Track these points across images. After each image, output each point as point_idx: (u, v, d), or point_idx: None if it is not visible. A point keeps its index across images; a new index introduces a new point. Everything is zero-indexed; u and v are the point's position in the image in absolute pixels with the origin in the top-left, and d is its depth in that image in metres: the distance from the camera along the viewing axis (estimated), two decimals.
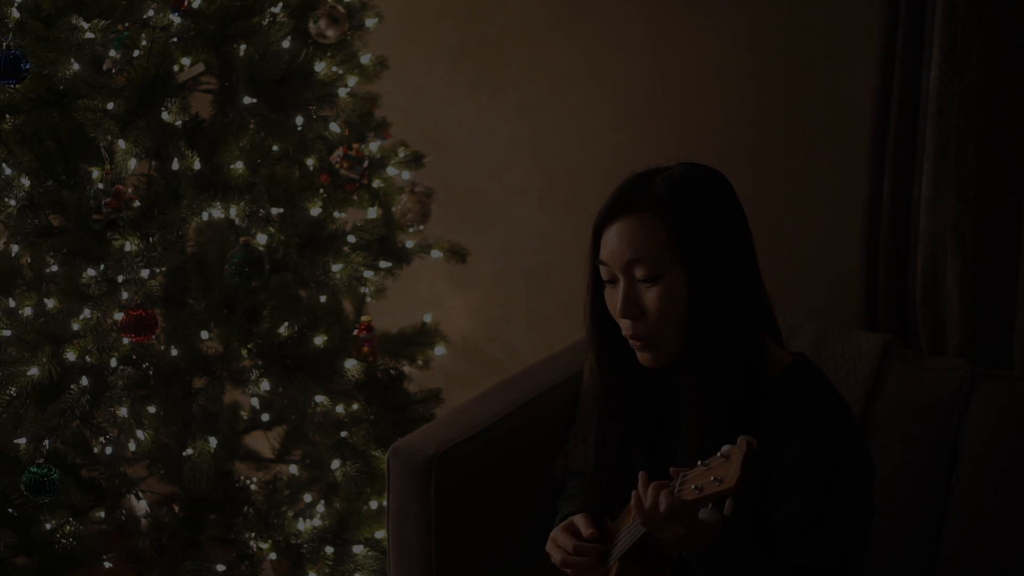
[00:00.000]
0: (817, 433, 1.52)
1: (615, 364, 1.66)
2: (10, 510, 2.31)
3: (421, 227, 2.62)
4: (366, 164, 2.49)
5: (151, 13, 2.20)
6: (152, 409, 2.31)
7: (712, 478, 1.35)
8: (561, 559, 1.70)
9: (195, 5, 2.24)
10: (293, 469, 2.68)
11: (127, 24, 2.18)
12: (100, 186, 2.15)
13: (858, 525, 1.53)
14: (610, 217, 1.58)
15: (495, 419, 2.24)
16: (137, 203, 2.18)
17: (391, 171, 2.61)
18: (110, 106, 2.13)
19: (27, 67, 1.99)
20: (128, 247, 2.13)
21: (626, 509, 1.68)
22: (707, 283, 1.53)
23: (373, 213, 2.58)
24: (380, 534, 2.52)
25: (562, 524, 1.74)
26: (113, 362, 2.25)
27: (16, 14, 2.08)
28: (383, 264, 2.59)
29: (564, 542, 1.70)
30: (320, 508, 2.61)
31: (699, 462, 1.40)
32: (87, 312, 2.19)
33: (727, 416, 1.53)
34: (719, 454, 1.37)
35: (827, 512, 1.51)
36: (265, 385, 2.38)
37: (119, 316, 2.15)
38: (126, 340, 2.17)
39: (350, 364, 2.43)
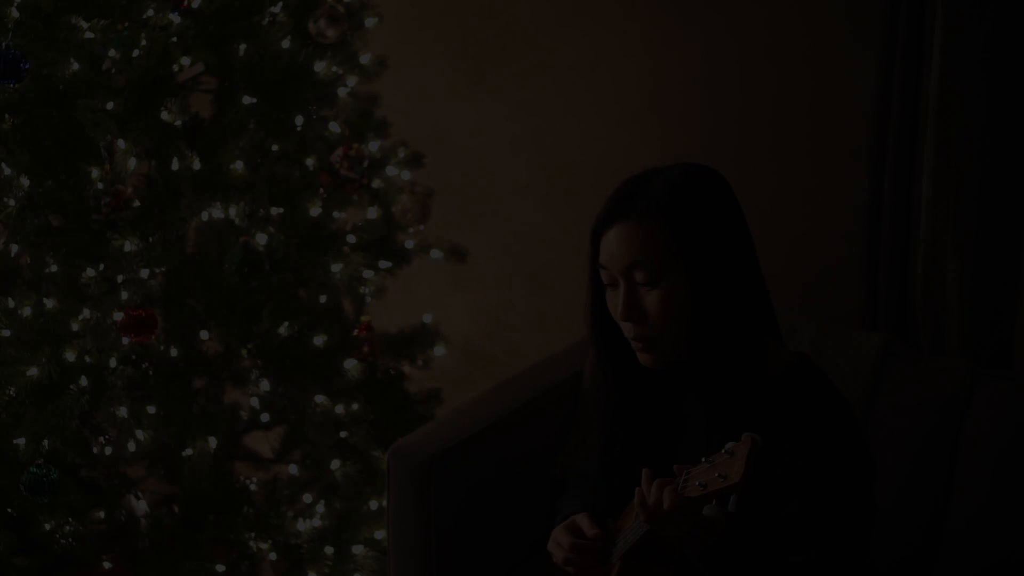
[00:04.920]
0: (820, 433, 1.52)
1: (618, 366, 1.66)
2: (10, 510, 2.31)
3: (421, 227, 2.62)
4: (366, 164, 2.49)
5: (151, 13, 2.19)
6: (152, 409, 2.31)
7: (716, 474, 1.34)
8: (563, 558, 1.70)
9: (195, 5, 2.24)
10: (293, 469, 2.68)
11: (127, 23, 2.18)
12: (100, 186, 2.15)
13: (861, 524, 1.53)
14: (608, 221, 1.57)
15: (495, 419, 2.24)
16: (137, 203, 2.18)
17: (391, 171, 2.61)
18: (110, 106, 2.13)
19: (27, 67, 1.99)
20: (128, 247, 2.13)
21: (628, 507, 1.67)
22: (708, 284, 1.53)
23: (373, 213, 2.58)
24: (380, 534, 2.52)
25: (564, 523, 1.74)
26: (113, 362, 2.25)
27: (16, 14, 2.08)
28: (383, 264, 2.59)
29: (565, 541, 1.70)
30: (320, 508, 2.60)
31: (703, 459, 1.39)
32: (87, 312, 2.19)
33: (730, 415, 1.53)
34: (723, 451, 1.36)
35: (830, 511, 1.51)
36: (265, 385, 2.38)
37: (119, 316, 2.15)
38: (126, 340, 2.17)
39: (350, 364, 2.43)
